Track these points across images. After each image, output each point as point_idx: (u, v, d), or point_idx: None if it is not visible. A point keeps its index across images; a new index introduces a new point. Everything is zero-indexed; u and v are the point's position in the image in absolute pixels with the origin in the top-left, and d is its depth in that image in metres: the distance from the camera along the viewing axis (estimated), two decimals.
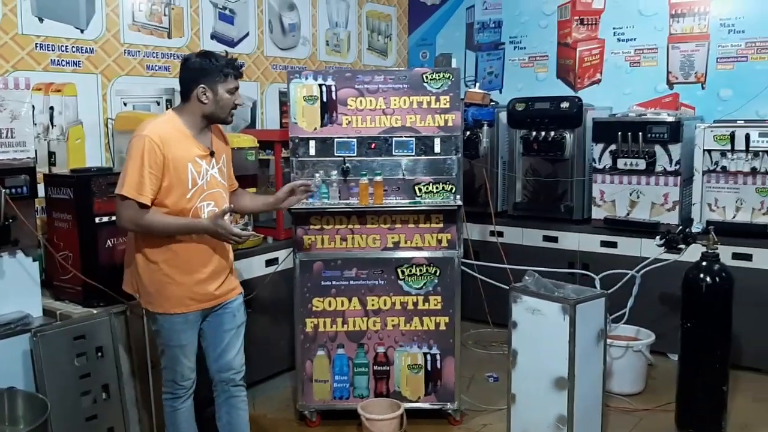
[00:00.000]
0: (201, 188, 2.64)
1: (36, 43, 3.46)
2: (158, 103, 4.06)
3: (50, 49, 3.52)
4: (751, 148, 4.02)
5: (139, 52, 3.94)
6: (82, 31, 3.65)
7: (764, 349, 4.04)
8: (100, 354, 2.92)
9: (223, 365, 2.82)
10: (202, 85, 2.60)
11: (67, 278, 3.06)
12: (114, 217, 2.99)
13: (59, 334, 2.81)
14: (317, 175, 3.41)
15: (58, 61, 3.55)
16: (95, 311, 2.98)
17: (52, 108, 3.50)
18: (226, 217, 2.62)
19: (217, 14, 4.40)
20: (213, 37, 4.38)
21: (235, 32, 4.54)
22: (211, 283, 2.71)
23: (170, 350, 2.72)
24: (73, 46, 3.62)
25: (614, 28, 5.12)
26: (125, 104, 3.87)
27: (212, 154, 2.69)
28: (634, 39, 5.05)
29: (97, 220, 3.01)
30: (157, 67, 4.04)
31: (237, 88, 2.67)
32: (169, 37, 4.11)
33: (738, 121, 4.20)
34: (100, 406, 2.90)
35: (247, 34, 4.62)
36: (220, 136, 2.85)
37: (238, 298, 2.86)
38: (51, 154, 3.51)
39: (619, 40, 5.12)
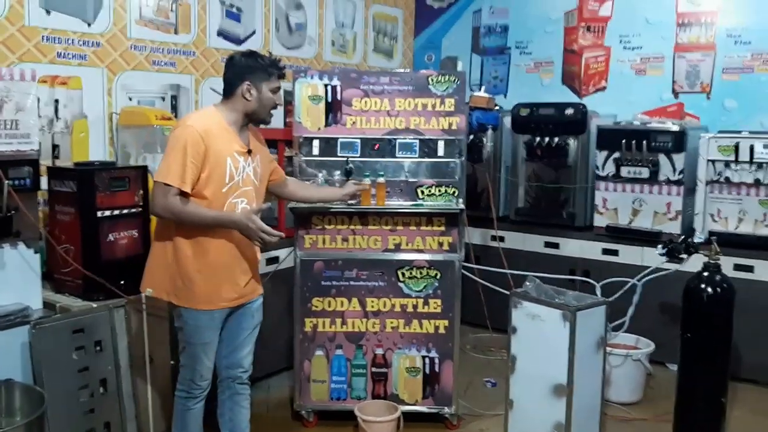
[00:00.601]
0: (237, 184, 2.67)
1: (42, 36, 3.46)
2: (163, 99, 4.06)
3: (57, 41, 3.52)
4: (755, 160, 4.02)
5: (145, 47, 3.94)
6: (89, 25, 3.66)
7: (763, 362, 4.04)
8: (98, 348, 2.92)
9: (232, 362, 2.85)
10: (248, 82, 2.66)
11: (68, 271, 3.05)
12: (116, 211, 3.05)
13: (58, 327, 2.81)
14: (320, 174, 3.41)
15: (64, 53, 3.55)
16: (95, 305, 2.97)
17: (57, 101, 3.48)
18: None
19: (224, 12, 4.40)
20: (220, 34, 4.38)
21: (242, 30, 4.54)
22: (238, 282, 2.73)
23: (192, 348, 2.73)
24: (79, 40, 3.62)
25: (620, 36, 5.12)
26: (130, 99, 3.87)
27: (250, 152, 2.73)
28: (641, 47, 5.05)
29: (99, 214, 3.00)
30: (163, 63, 4.04)
31: (279, 88, 2.71)
32: (176, 33, 4.11)
33: (742, 132, 4.19)
34: (98, 400, 2.90)
35: (254, 32, 4.62)
36: (257, 136, 2.88)
37: (259, 298, 2.88)
38: (55, 147, 3.50)
39: (625, 47, 5.12)
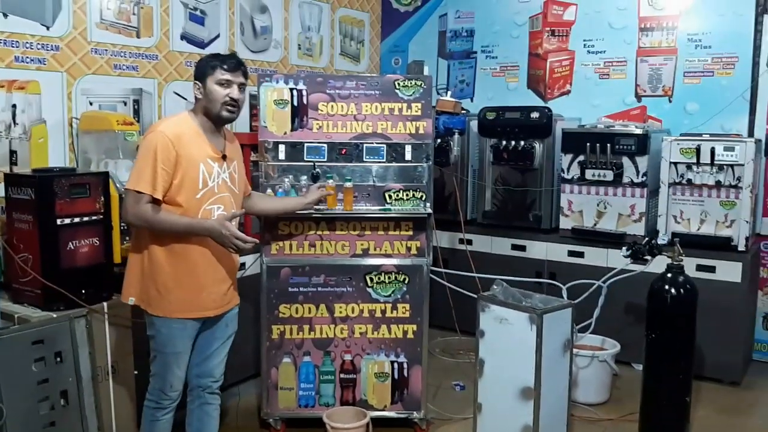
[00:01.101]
0: (211, 190, 2.64)
1: None
2: (125, 103, 3.98)
3: (14, 45, 3.43)
4: (716, 162, 4.09)
5: (106, 50, 3.86)
6: (48, 28, 3.57)
7: (726, 361, 4.11)
8: (59, 359, 2.84)
9: (203, 371, 2.81)
10: (196, 81, 2.67)
11: (27, 281, 2.97)
12: (77, 219, 2.98)
13: (17, 339, 2.73)
14: (286, 179, 3.38)
15: (22, 58, 3.47)
16: (55, 315, 2.90)
17: (14, 106, 3.40)
18: (234, 222, 2.63)
19: (187, 15, 4.34)
20: (183, 37, 4.32)
21: (206, 33, 4.48)
22: (214, 291, 2.69)
23: (163, 357, 2.68)
24: (38, 43, 3.53)
25: (584, 40, 5.18)
26: (91, 103, 3.79)
27: (224, 157, 2.69)
28: (604, 51, 5.11)
29: (58, 221, 2.92)
30: (124, 67, 3.97)
31: (229, 81, 2.64)
32: (138, 36, 4.04)
33: (704, 135, 4.27)
34: (59, 412, 2.82)
35: (218, 36, 4.57)
36: (233, 142, 2.85)
37: (234, 308, 2.85)
38: (12, 153, 3.41)
39: (589, 52, 5.17)
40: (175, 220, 2.56)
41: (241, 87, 2.68)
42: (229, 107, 2.65)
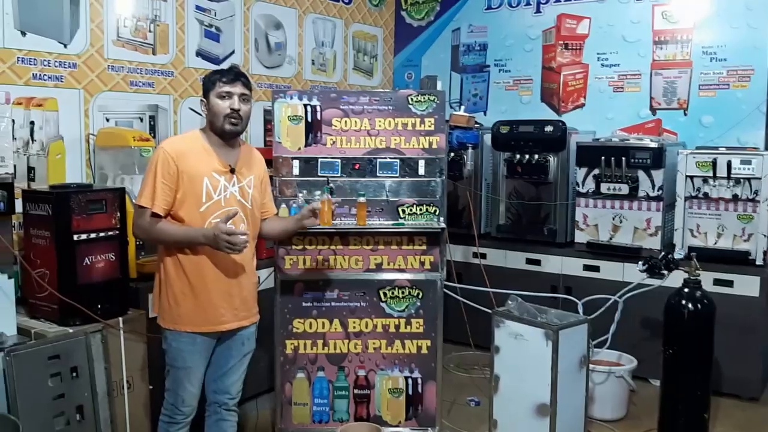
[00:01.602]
0: (217, 203, 2.65)
1: (18, 57, 3.41)
2: (141, 120, 4.02)
3: (32, 63, 3.48)
4: (732, 175, 4.06)
5: (122, 67, 3.91)
6: (65, 46, 3.62)
7: (745, 376, 4.05)
8: (75, 374, 2.86)
9: (220, 387, 2.82)
10: (202, 99, 2.72)
11: (43, 296, 2.99)
12: (93, 234, 3.01)
13: (33, 354, 2.75)
14: (300, 195, 3.38)
15: (40, 75, 3.51)
16: (71, 330, 2.92)
17: (32, 123, 3.45)
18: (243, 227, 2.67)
19: (203, 31, 4.39)
20: (198, 54, 4.36)
21: (221, 50, 4.52)
22: (224, 306, 2.69)
23: (174, 372, 2.70)
24: (55, 61, 3.58)
25: (598, 54, 5.17)
26: (107, 120, 3.83)
27: (233, 171, 2.70)
28: (618, 64, 5.10)
29: (75, 237, 2.95)
30: (141, 83, 4.01)
31: (230, 93, 2.65)
32: (154, 53, 4.08)
33: (720, 148, 4.24)
34: (74, 427, 2.83)
35: (233, 52, 4.61)
36: (252, 157, 2.84)
37: (251, 326, 2.85)
38: (30, 170, 3.46)
39: (602, 65, 5.16)
40: (173, 230, 2.61)
41: (243, 97, 2.68)
42: (231, 119, 2.65)
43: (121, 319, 3.10)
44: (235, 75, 2.69)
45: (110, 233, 3.08)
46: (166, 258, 2.67)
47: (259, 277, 3.69)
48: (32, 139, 3.45)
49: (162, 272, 2.70)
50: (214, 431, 2.86)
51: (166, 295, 2.67)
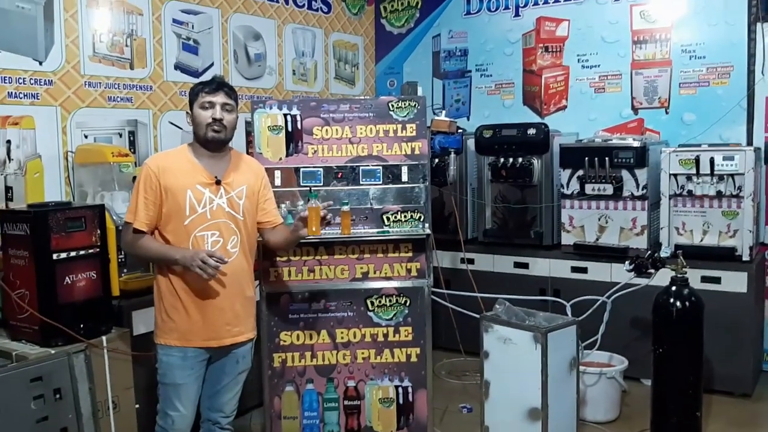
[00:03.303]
0: (202, 216, 2.63)
1: None
2: (120, 135, 3.98)
3: (7, 81, 3.44)
4: (715, 172, 4.06)
5: (100, 83, 3.87)
6: (40, 63, 3.58)
7: (736, 372, 4.05)
8: (58, 396, 2.81)
9: (213, 405, 2.79)
10: (187, 112, 2.74)
11: (24, 317, 2.94)
12: (73, 253, 2.98)
13: (15, 376, 2.70)
14: (283, 206, 3.35)
15: (15, 93, 3.47)
16: (53, 351, 2.87)
17: (9, 141, 3.41)
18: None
19: (180, 45, 4.35)
20: (177, 67, 4.33)
21: (200, 62, 4.49)
22: (214, 321, 2.65)
23: (164, 389, 2.68)
24: (31, 78, 3.54)
25: (578, 55, 5.18)
26: (86, 136, 3.79)
27: (218, 182, 2.66)
28: (598, 65, 5.11)
29: (54, 256, 2.91)
30: (119, 99, 3.97)
31: (212, 103, 2.64)
32: (132, 68, 4.05)
33: (702, 145, 4.25)
34: None
35: (212, 65, 4.57)
36: (244, 167, 2.80)
37: (246, 344, 2.80)
38: (8, 189, 3.41)
39: (583, 66, 5.17)
40: (151, 247, 2.62)
41: (225, 107, 2.66)
42: (214, 127, 2.64)
43: (104, 338, 3.05)
44: (218, 85, 2.68)
45: (90, 251, 3.04)
46: (158, 274, 2.69)
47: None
48: (9, 159, 3.41)
49: (156, 288, 2.71)
50: None
51: (159, 310, 2.68)
